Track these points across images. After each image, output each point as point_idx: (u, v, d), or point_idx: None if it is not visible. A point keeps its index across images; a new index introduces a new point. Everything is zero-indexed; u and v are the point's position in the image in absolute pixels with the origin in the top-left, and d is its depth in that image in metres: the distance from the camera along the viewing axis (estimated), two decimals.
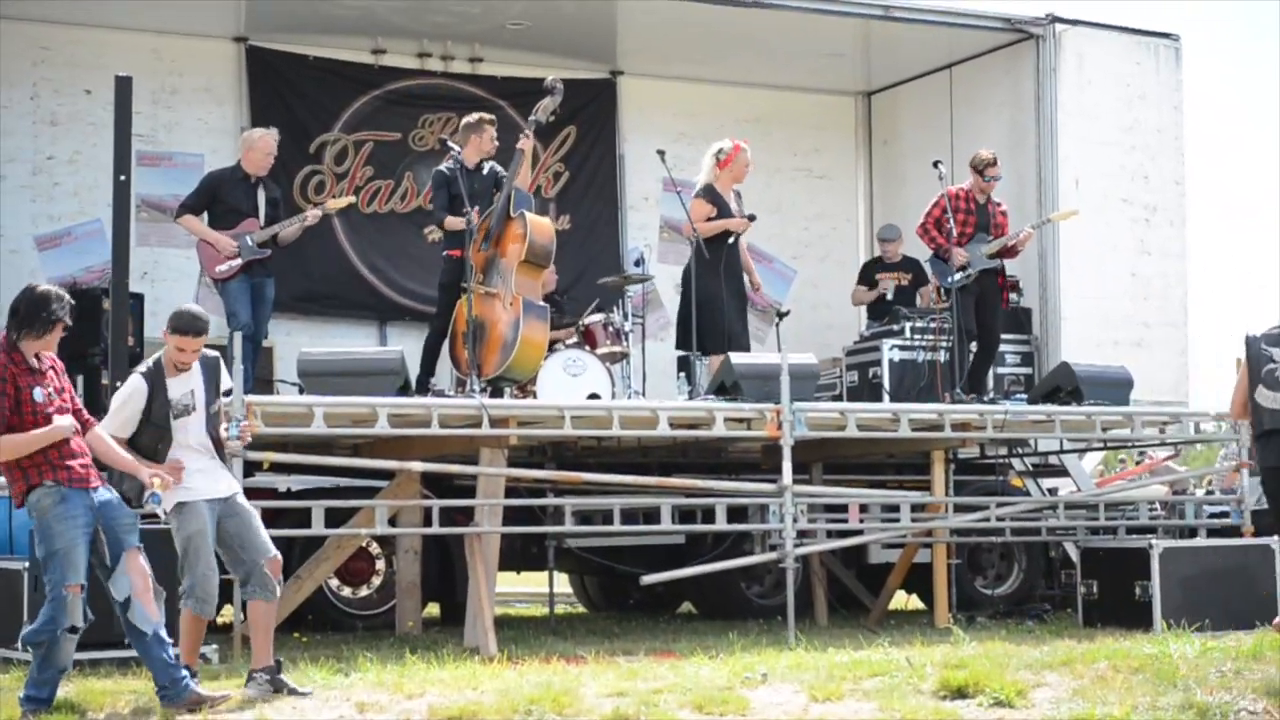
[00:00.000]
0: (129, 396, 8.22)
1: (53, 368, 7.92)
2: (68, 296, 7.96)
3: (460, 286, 11.79)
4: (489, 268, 11.80)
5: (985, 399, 13.19)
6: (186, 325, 8.27)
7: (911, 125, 16.27)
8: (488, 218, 11.82)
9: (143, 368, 8.32)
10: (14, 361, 7.74)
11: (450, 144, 12.30)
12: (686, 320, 12.46)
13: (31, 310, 7.80)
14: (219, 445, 8.47)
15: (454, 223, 11.94)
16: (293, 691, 8.27)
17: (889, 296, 14.63)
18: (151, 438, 8.21)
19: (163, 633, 7.90)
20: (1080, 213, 13.93)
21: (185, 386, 8.33)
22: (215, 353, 8.65)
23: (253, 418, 9.88)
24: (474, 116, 12.41)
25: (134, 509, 8.07)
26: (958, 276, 13.07)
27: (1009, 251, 13.43)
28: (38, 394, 7.74)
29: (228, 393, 8.77)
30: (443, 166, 12.20)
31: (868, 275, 14.97)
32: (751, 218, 12.64)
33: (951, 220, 13.08)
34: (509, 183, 11.91)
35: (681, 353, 12.92)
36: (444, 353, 12.13)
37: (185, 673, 7.90)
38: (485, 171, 12.19)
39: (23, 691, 7.83)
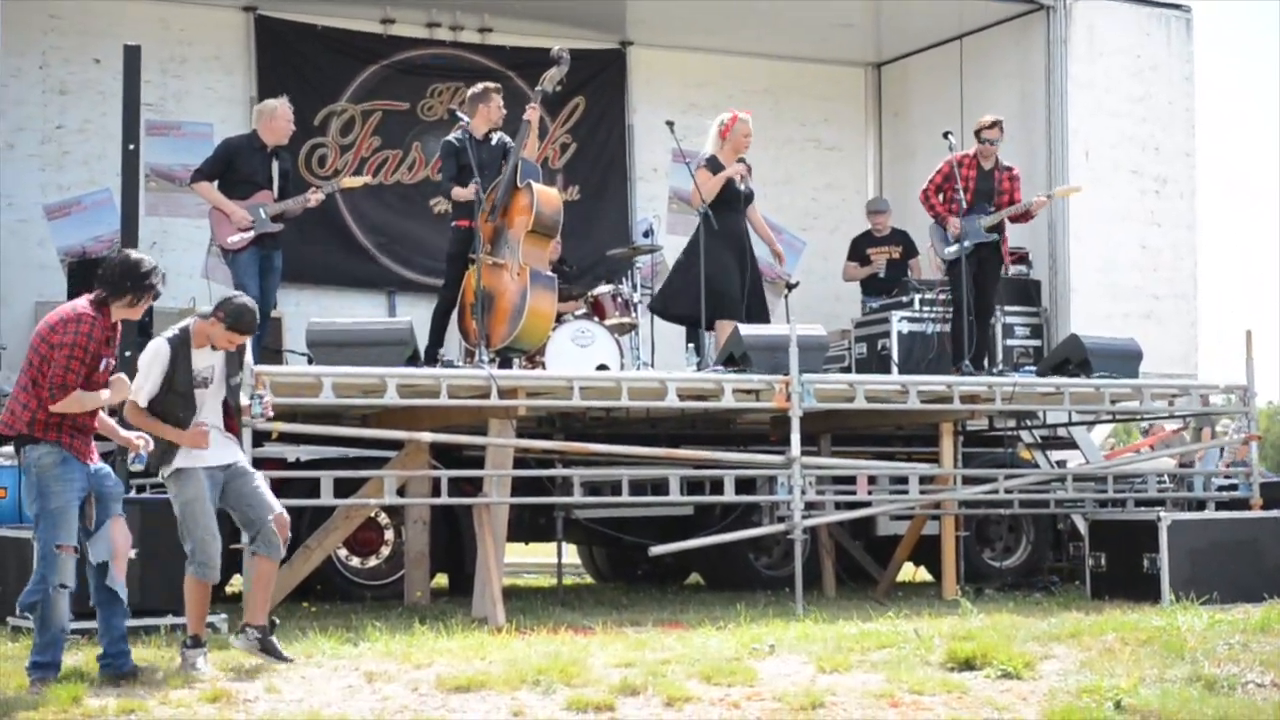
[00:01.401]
0: (152, 361, 8.22)
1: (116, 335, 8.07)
2: (158, 264, 8.11)
3: (468, 258, 11.79)
4: (497, 238, 11.79)
5: (995, 370, 13.16)
6: (247, 325, 8.31)
7: (921, 96, 16.23)
8: (494, 188, 11.80)
9: (169, 333, 8.31)
10: (99, 329, 7.86)
11: (459, 114, 12.27)
12: (680, 289, 12.52)
13: (136, 279, 7.94)
14: (238, 415, 8.49)
15: (461, 193, 11.93)
16: (278, 657, 8.32)
17: (881, 274, 14.63)
18: (175, 406, 8.22)
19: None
20: (1083, 188, 13.91)
21: (208, 360, 8.35)
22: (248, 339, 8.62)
23: (262, 388, 9.88)
24: (480, 86, 12.37)
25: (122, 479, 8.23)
26: (952, 249, 13.08)
27: (1023, 217, 13.35)
28: (103, 365, 7.91)
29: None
30: (451, 137, 12.17)
31: (858, 250, 14.96)
32: (741, 160, 12.64)
33: (960, 186, 13.02)
34: (515, 153, 11.88)
35: (658, 319, 12.93)
36: (452, 324, 12.13)
37: (128, 650, 8.02)
38: (494, 142, 12.15)
39: (29, 660, 7.86)
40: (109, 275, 7.96)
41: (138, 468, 8.03)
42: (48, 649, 7.84)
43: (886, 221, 14.86)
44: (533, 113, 11.99)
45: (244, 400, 8.65)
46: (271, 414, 8.78)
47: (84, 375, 7.79)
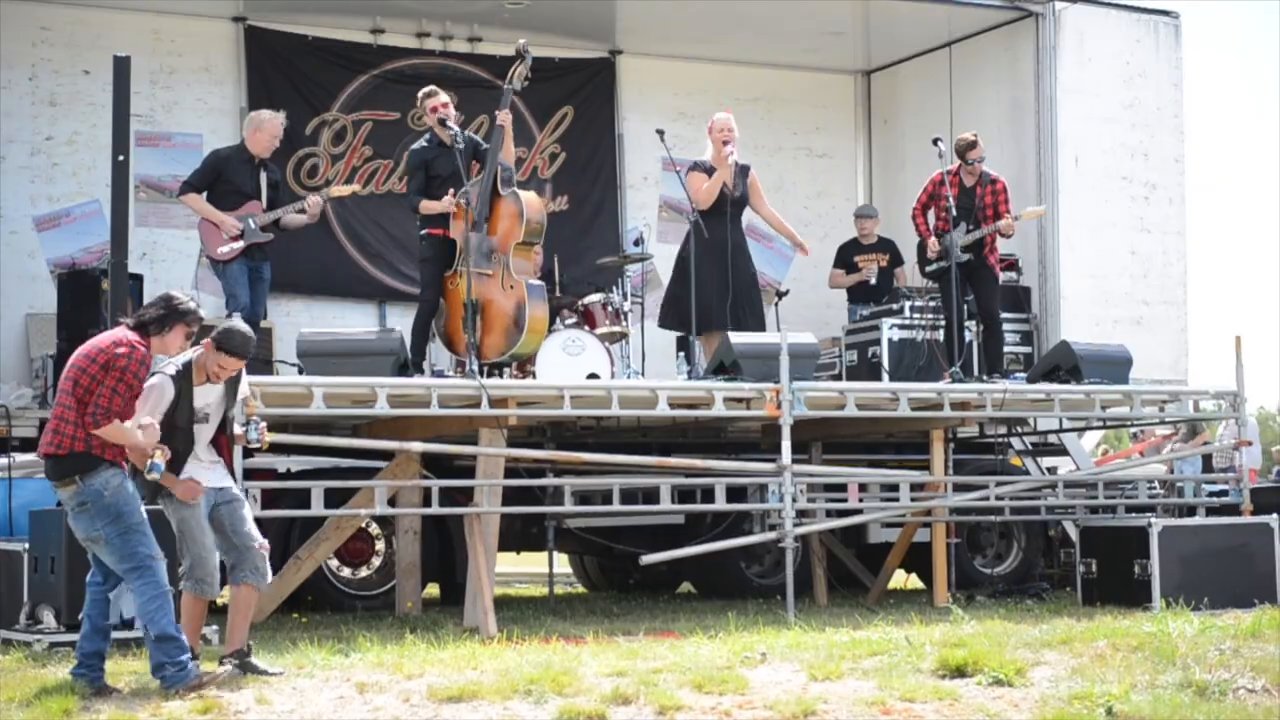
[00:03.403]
0: (159, 398, 8.16)
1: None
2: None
3: (455, 269, 11.70)
4: (477, 247, 11.65)
5: (991, 378, 13.11)
6: (238, 348, 8.31)
7: (911, 103, 16.25)
8: (465, 195, 11.66)
9: (170, 369, 8.27)
10: (149, 358, 8.01)
11: (449, 124, 12.17)
12: (674, 299, 12.51)
13: (171, 307, 8.13)
14: (231, 444, 8.49)
15: (431, 206, 11.79)
16: (263, 673, 8.30)
17: (872, 281, 14.61)
18: (175, 441, 8.17)
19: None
20: (1046, 209, 14.01)
21: (207, 397, 8.35)
22: (242, 363, 8.58)
23: (253, 399, 9.87)
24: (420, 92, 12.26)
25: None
26: (931, 269, 13.16)
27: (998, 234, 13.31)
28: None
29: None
30: (417, 145, 12.08)
31: (845, 257, 14.92)
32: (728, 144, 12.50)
33: (951, 201, 13.02)
34: (492, 159, 11.72)
35: (667, 331, 12.90)
36: (434, 332, 12.06)
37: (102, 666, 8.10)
38: (462, 145, 11.96)
39: (165, 672, 7.86)
40: (147, 307, 8.18)
41: (155, 476, 8.05)
42: (175, 644, 7.89)
43: (873, 228, 14.86)
44: (505, 117, 11.83)
45: (238, 429, 8.64)
46: (268, 441, 8.77)
47: (128, 402, 7.88)
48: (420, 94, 12.22)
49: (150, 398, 8.11)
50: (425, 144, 12.07)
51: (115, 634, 8.90)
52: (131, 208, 10.97)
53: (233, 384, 8.51)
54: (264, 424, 8.70)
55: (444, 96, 12.13)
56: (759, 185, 12.88)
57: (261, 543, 8.47)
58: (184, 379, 8.25)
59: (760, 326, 12.52)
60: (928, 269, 13.30)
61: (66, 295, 12.28)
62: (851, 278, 14.77)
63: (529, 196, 11.87)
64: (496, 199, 11.70)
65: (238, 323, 8.54)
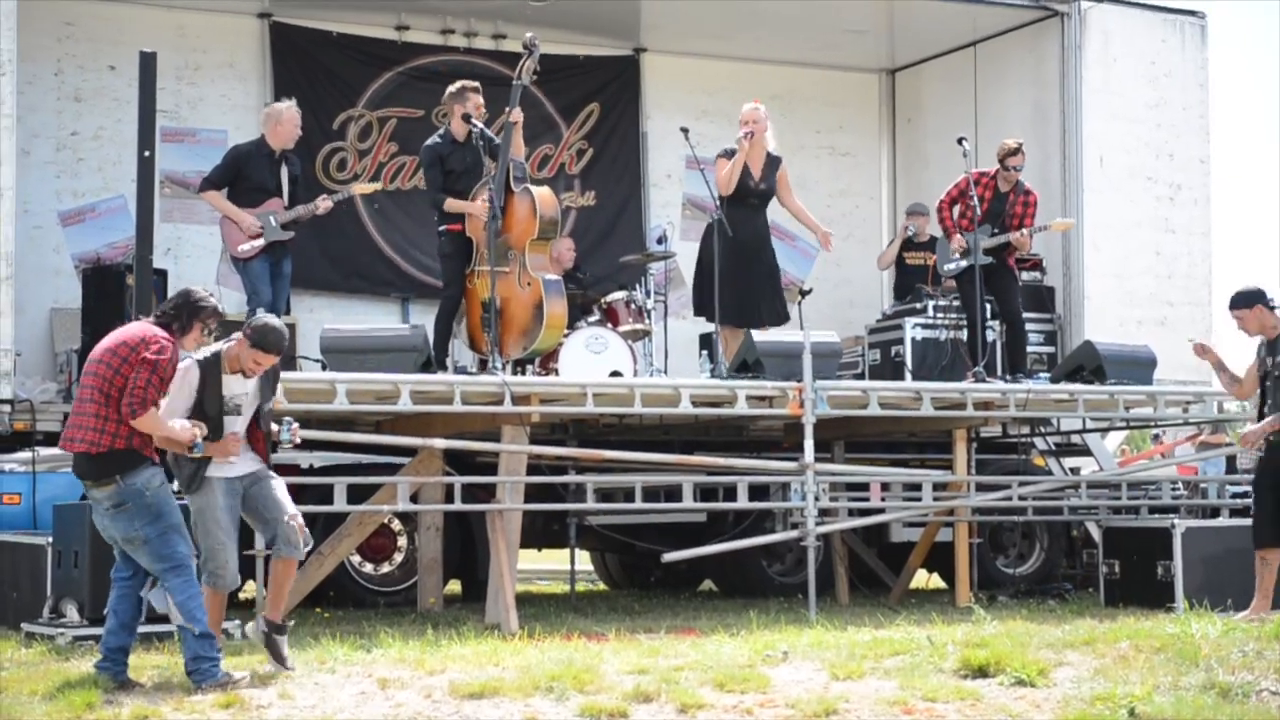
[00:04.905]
0: (181, 381, 8.16)
1: None
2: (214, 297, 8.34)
3: (473, 267, 11.68)
4: (494, 244, 11.60)
5: (1015, 377, 13.04)
6: (273, 344, 8.29)
7: (935, 103, 16.23)
8: (483, 187, 11.64)
9: (200, 355, 8.27)
10: (176, 354, 8.02)
11: (473, 121, 12.10)
12: (697, 290, 12.49)
13: (190, 306, 8.12)
14: (266, 439, 8.50)
15: (460, 206, 11.70)
16: (278, 658, 8.32)
17: (911, 232, 14.58)
18: (207, 430, 8.18)
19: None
20: (1074, 222, 13.97)
21: (241, 388, 8.33)
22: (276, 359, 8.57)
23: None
24: (456, 85, 12.05)
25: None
26: (949, 266, 13.12)
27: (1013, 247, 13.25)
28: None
29: None
30: (431, 141, 12.01)
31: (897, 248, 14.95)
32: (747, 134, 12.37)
33: (976, 201, 12.96)
34: (504, 157, 11.60)
35: (700, 317, 12.83)
36: (456, 330, 12.04)
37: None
38: (474, 140, 11.82)
39: (197, 666, 7.88)
40: (167, 304, 8.20)
41: (198, 454, 8.08)
42: (211, 641, 7.93)
43: (925, 225, 14.77)
44: (516, 114, 11.69)
45: (271, 426, 8.64)
46: (299, 440, 8.77)
47: (160, 394, 7.89)
48: (461, 85, 11.97)
49: (176, 381, 8.12)
50: (439, 139, 11.99)
51: (140, 629, 8.96)
52: (156, 203, 11.00)
53: (270, 379, 8.48)
54: (296, 424, 8.69)
55: (481, 98, 12.05)
56: (787, 178, 12.66)
57: (291, 514, 8.42)
58: (212, 366, 8.25)
59: (781, 319, 12.47)
60: (947, 267, 13.26)
61: (91, 290, 12.32)
62: (896, 244, 14.71)
63: (541, 192, 11.75)
64: (509, 196, 11.60)
65: (272, 319, 8.48)
